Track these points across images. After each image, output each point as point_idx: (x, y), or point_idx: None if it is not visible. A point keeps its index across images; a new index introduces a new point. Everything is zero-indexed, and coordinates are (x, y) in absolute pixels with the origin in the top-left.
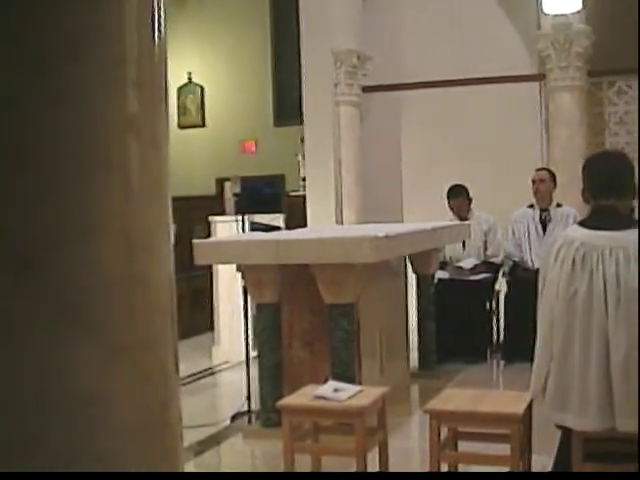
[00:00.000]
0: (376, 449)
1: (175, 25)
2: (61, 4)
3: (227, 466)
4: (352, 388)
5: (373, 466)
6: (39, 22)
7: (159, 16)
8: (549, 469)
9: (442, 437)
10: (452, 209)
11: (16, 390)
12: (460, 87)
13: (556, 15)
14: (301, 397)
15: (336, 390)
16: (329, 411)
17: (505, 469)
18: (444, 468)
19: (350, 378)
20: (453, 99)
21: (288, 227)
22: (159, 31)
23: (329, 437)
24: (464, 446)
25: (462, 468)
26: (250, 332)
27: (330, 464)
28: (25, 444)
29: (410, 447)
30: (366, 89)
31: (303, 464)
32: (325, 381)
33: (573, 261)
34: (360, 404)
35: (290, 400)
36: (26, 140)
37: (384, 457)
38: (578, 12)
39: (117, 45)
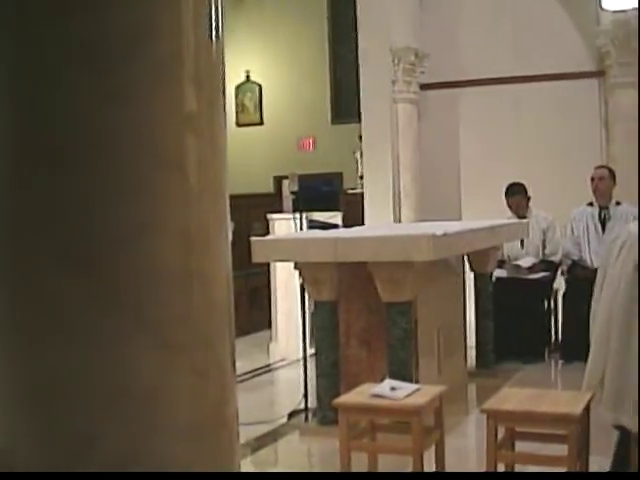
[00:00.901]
0: (433, 448)
1: (233, 23)
2: (118, 3)
3: (283, 464)
4: (409, 387)
5: (429, 465)
6: (96, 21)
7: (216, 14)
8: (607, 469)
9: (499, 437)
10: (510, 207)
11: (75, 388)
12: (518, 84)
13: (615, 11)
14: (358, 395)
15: (393, 388)
16: (386, 410)
17: (562, 470)
18: (500, 468)
19: (407, 376)
20: (511, 96)
21: (346, 225)
22: (216, 29)
23: (386, 436)
24: (521, 446)
25: (518, 468)
26: (307, 330)
27: (386, 463)
28: (83, 441)
29: (467, 447)
30: (424, 86)
31: (359, 462)
32: (382, 379)
33: (634, 262)
34: (417, 403)
35: (347, 398)
36: (84, 139)
37: (440, 456)
38: (637, 8)
39: (174, 43)
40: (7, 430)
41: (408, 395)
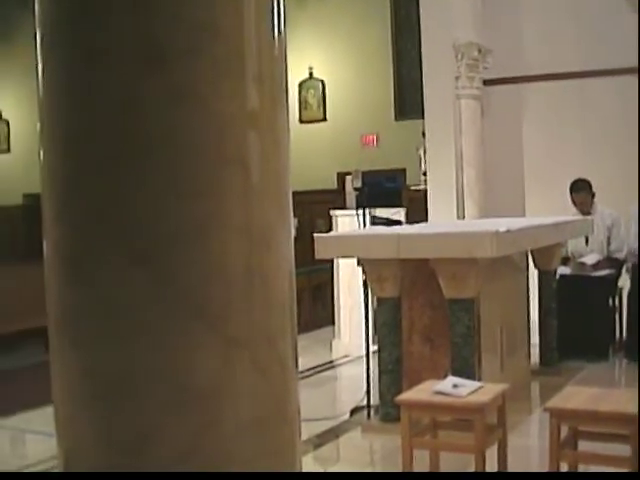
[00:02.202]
0: (495, 447)
1: (296, 20)
2: (181, 0)
3: (345, 460)
4: (472, 384)
5: (491, 464)
6: (159, 19)
7: (278, 11)
8: None
9: (562, 436)
10: (575, 204)
11: (137, 384)
12: (582, 79)
13: None
14: (420, 392)
15: (456, 386)
16: (448, 407)
17: (625, 470)
18: (564, 468)
19: (470, 374)
20: (575, 91)
21: (409, 221)
22: (278, 26)
23: (448, 433)
24: (584, 446)
25: (582, 468)
26: (370, 326)
27: (448, 460)
28: (143, 436)
29: (529, 445)
30: (487, 82)
31: (421, 460)
32: (445, 376)
33: None
34: (480, 400)
35: (409, 395)
36: (147, 137)
37: (503, 455)
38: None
39: (237, 40)
40: (71, 427)
41: (471, 393)
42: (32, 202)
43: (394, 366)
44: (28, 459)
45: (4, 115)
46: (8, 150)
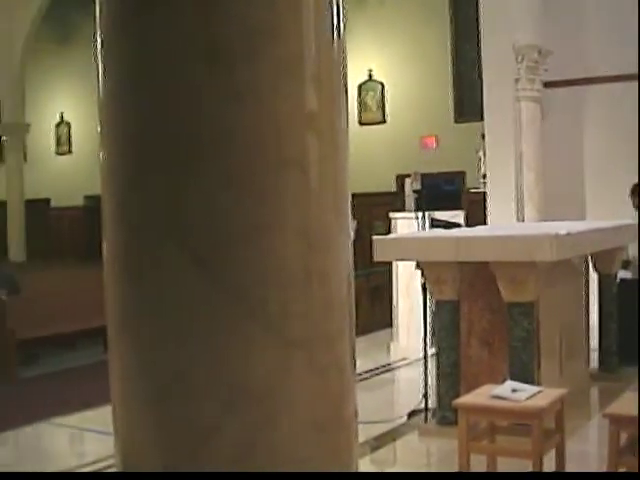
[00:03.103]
0: (553, 452)
1: (355, 23)
2: (241, 2)
3: (402, 463)
4: (530, 389)
5: (549, 469)
6: (217, 20)
7: (337, 13)
8: None
9: (621, 442)
10: (636, 206)
11: (196, 384)
12: None
13: None
14: (478, 396)
15: (514, 390)
16: (506, 411)
17: None
18: None
19: (528, 378)
20: (637, 93)
21: (468, 224)
22: (337, 28)
23: (505, 438)
24: None
25: None
26: (429, 329)
27: (506, 465)
28: (202, 435)
29: (587, 451)
30: (547, 84)
31: (478, 464)
32: (503, 381)
33: None
34: (538, 405)
35: (467, 399)
36: (206, 138)
37: (560, 461)
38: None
39: (296, 42)
40: (129, 427)
41: (529, 397)
42: (93, 203)
43: (452, 369)
44: (86, 457)
45: (66, 117)
46: (70, 152)
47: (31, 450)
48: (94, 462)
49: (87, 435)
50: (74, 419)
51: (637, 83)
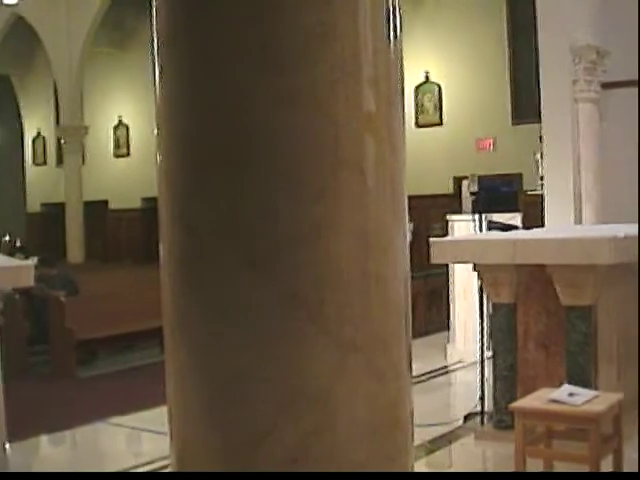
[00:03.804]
0: (610, 457)
1: (412, 25)
2: (296, 5)
3: (457, 466)
4: (587, 393)
5: None
6: (273, 22)
7: (394, 15)
8: None
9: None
10: None
11: (252, 386)
12: None
13: None
14: (535, 400)
15: (571, 394)
16: (563, 415)
17: None
18: None
19: (586, 382)
20: None
21: (525, 226)
22: (394, 30)
23: (562, 442)
24: None
25: None
26: (485, 332)
27: (563, 470)
28: (257, 437)
29: None
30: (605, 85)
31: (534, 468)
32: (560, 385)
33: None
34: (595, 410)
35: (524, 403)
36: (263, 141)
37: (618, 466)
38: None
39: (351, 43)
40: (184, 428)
41: (586, 402)
42: (150, 205)
43: (509, 373)
44: (142, 457)
45: (124, 120)
46: (128, 154)
47: (88, 449)
48: (150, 462)
49: (144, 435)
50: (131, 419)
51: None
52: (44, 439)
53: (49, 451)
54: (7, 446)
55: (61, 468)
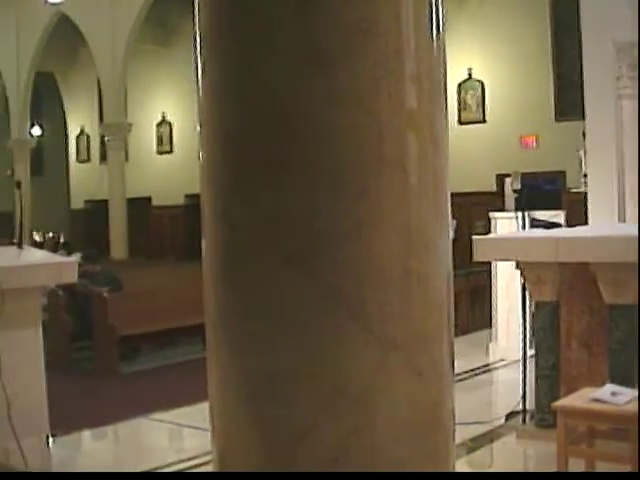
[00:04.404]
0: None
1: (455, 21)
2: (339, 2)
3: (498, 465)
4: (631, 392)
5: None
6: (316, 19)
7: (437, 11)
8: None
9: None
10: None
11: (293, 385)
12: None
13: None
14: (577, 399)
15: (614, 394)
16: (606, 415)
17: None
18: None
19: (629, 382)
20: None
21: (568, 224)
22: (437, 26)
23: (605, 442)
24: None
25: None
26: (528, 330)
27: (605, 470)
28: (298, 434)
29: None
30: None
31: (576, 468)
32: (603, 384)
33: None
34: (637, 409)
35: (566, 402)
36: (307, 137)
37: None
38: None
39: (393, 40)
40: (226, 425)
41: (629, 401)
42: (193, 202)
43: (551, 371)
44: (184, 453)
45: (167, 117)
46: (171, 151)
47: (130, 445)
48: (191, 458)
49: (185, 431)
50: (173, 415)
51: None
52: (86, 434)
53: (91, 446)
54: (50, 441)
55: (103, 463)
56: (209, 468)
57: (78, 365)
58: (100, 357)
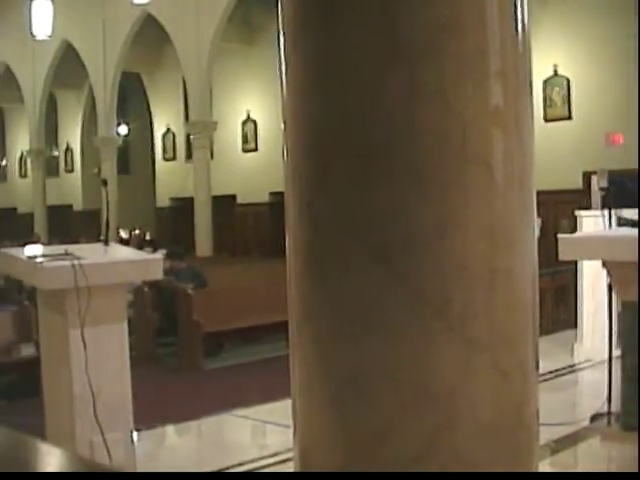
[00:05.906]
0: None
1: (540, 18)
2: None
3: (582, 468)
4: None
5: None
6: (400, 17)
7: (522, 8)
8: None
9: None
10: None
11: (376, 384)
12: None
13: None
14: None
15: None
16: None
17: None
18: None
19: None
20: None
21: None
22: (522, 22)
23: None
24: None
25: None
26: (614, 330)
27: None
28: (380, 433)
29: None
30: None
31: None
32: None
33: None
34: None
35: None
36: (391, 135)
37: None
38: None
39: (478, 36)
40: (308, 422)
41: None
42: (278, 200)
43: (637, 373)
44: (267, 450)
45: (252, 115)
46: (255, 149)
47: (213, 440)
48: (274, 454)
49: (268, 427)
50: (256, 411)
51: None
52: (170, 429)
53: (174, 441)
54: (134, 434)
55: (186, 458)
56: (290, 465)
57: (163, 361)
58: (184, 353)
